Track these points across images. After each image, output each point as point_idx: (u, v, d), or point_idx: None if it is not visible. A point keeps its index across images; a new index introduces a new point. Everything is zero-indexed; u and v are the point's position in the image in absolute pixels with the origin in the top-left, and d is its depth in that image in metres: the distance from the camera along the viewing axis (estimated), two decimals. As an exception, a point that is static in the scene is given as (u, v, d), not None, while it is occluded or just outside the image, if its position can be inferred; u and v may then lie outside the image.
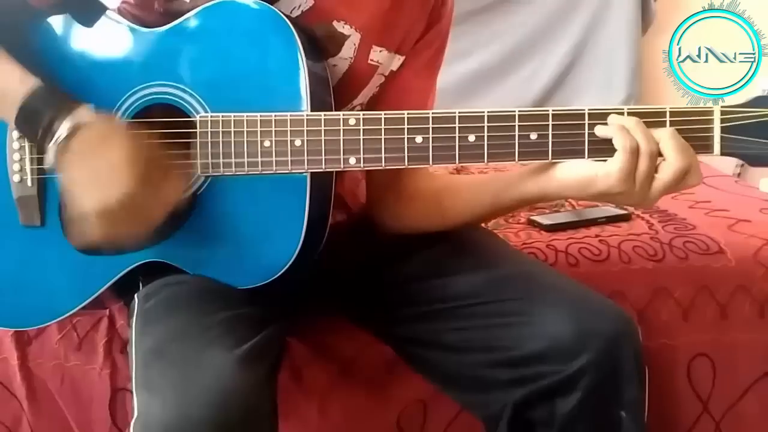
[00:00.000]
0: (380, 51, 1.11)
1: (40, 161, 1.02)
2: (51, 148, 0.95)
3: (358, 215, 1.23)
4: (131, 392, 0.98)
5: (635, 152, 0.94)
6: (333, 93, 1.08)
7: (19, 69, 0.99)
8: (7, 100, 0.98)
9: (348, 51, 1.09)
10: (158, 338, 0.98)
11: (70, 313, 1.10)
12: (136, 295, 1.06)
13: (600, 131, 0.96)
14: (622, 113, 0.95)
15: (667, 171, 0.94)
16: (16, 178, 1.06)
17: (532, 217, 1.50)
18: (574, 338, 0.99)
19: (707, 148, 0.95)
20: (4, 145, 1.06)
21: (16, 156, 1.06)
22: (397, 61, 1.14)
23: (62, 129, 0.94)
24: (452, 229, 1.13)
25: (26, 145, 1.05)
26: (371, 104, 1.15)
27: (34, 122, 0.96)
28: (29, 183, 1.06)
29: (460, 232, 1.14)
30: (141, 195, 0.91)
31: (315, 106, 1.00)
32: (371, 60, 1.11)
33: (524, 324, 1.02)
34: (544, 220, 1.48)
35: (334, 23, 1.07)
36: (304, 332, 1.21)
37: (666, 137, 0.94)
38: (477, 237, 1.15)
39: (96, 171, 0.92)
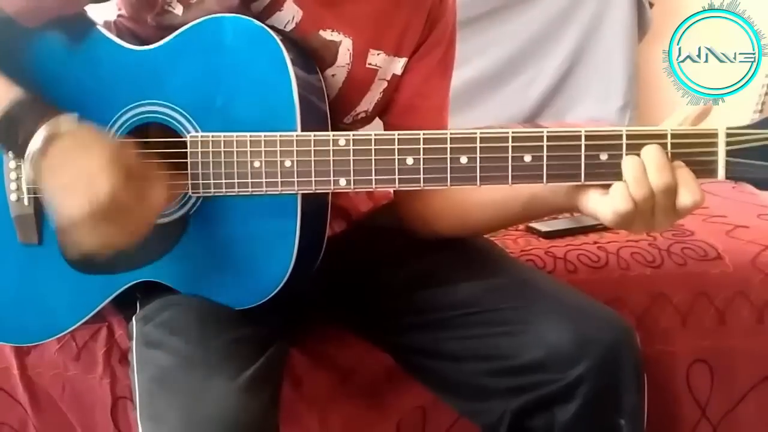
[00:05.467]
0: (377, 54, 1.10)
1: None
2: (27, 158, 0.91)
3: (356, 224, 1.23)
4: (134, 409, 0.99)
5: (627, 215, 0.89)
6: (336, 102, 1.07)
7: (3, 80, 0.95)
8: None
9: (344, 58, 1.08)
10: (160, 366, 0.97)
11: (69, 330, 1.10)
12: (134, 318, 1.06)
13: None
14: (620, 135, 0.89)
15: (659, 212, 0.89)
16: (13, 197, 1.05)
17: (530, 224, 1.49)
18: (572, 346, 0.99)
19: (711, 173, 0.89)
20: (1, 164, 1.05)
21: (13, 175, 1.05)
22: (398, 63, 1.12)
23: (37, 139, 0.90)
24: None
25: (22, 163, 1.01)
26: (380, 112, 1.14)
27: (14, 134, 0.92)
28: (26, 202, 1.05)
29: (459, 241, 1.14)
30: (124, 198, 0.88)
31: (307, 121, 0.98)
32: (369, 64, 1.10)
33: (523, 332, 1.02)
34: (543, 227, 1.47)
35: (321, 32, 1.07)
36: (303, 342, 1.21)
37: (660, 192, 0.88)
38: (475, 246, 1.15)
39: (75, 177, 0.89)
